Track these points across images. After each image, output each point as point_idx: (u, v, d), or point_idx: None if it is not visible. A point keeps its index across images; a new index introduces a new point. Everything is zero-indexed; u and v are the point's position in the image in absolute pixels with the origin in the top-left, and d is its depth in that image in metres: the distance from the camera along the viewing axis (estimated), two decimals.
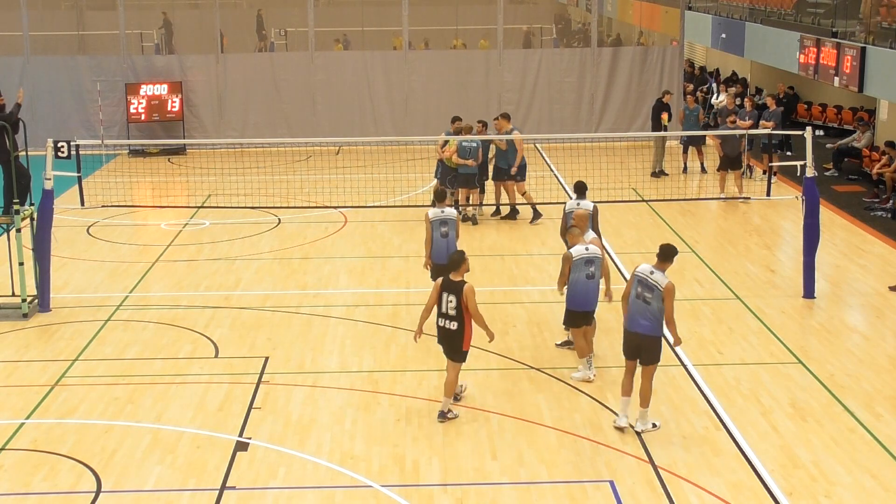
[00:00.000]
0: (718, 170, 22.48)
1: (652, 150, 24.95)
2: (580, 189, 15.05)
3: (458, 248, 13.07)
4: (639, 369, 11.64)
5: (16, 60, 28.19)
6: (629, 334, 11.64)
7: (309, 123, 28.16)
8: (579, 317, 13.05)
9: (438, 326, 11.94)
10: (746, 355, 13.90)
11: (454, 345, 11.88)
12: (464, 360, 12.01)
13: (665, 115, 24.13)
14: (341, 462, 11.02)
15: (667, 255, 11.58)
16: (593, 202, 14.85)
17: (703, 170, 24.76)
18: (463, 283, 11.71)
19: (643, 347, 11.55)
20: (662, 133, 24.19)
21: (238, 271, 17.65)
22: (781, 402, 12.42)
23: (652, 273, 11.46)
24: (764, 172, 21.82)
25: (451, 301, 11.68)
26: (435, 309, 11.90)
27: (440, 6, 37.18)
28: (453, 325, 11.76)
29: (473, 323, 11.83)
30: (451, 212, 14.56)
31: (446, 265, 12.40)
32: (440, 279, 11.91)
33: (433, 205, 15.20)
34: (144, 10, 34.76)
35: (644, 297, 11.42)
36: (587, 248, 12.95)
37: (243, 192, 21.46)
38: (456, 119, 20.79)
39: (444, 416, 11.95)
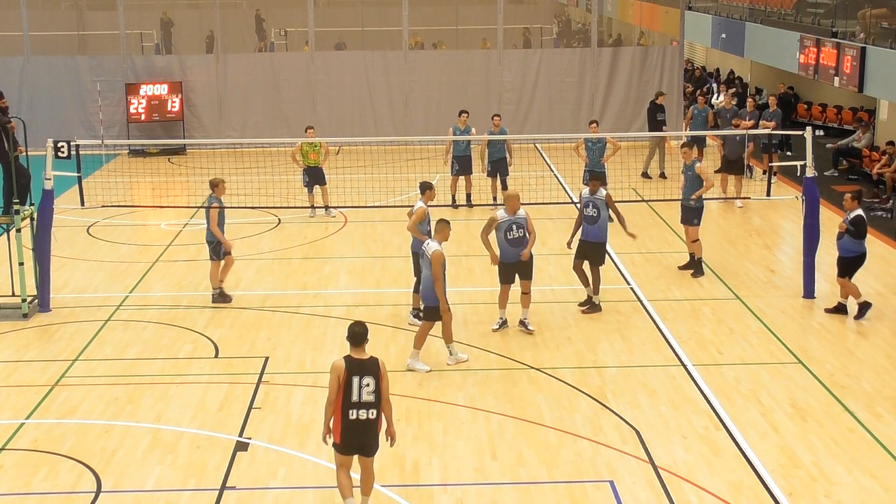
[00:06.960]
0: (717, 171, 22.29)
1: (647, 151, 24.92)
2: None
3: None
4: None
5: (16, 60, 28.18)
6: None
7: (309, 123, 28.06)
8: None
9: (349, 421, 9.43)
10: (746, 355, 13.90)
11: (371, 437, 9.58)
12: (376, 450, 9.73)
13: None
14: None
15: None
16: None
17: None
18: (375, 359, 9.52)
19: None
20: (662, 133, 24.16)
21: (238, 271, 17.62)
22: (781, 402, 12.42)
23: None
24: (764, 172, 21.78)
25: (367, 385, 9.39)
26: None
27: (440, 6, 37.14)
28: (372, 414, 9.45)
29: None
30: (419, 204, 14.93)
31: (348, 336, 9.57)
32: (341, 362, 9.44)
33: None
34: (144, 10, 34.71)
35: None
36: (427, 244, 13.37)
37: (243, 192, 21.44)
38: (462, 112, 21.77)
39: None
